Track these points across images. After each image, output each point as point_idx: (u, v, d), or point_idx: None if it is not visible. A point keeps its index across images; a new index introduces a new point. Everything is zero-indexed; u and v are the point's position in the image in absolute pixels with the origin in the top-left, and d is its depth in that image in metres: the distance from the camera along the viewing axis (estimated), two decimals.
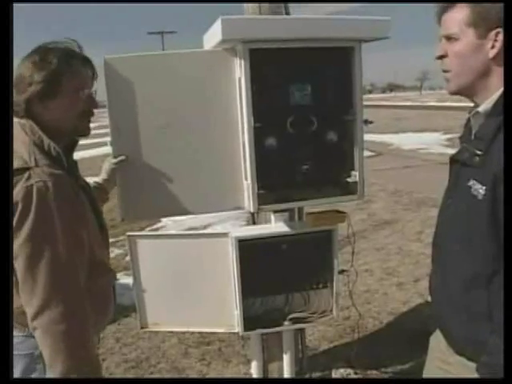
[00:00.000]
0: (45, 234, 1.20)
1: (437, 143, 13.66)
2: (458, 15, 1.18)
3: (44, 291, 1.20)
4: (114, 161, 1.75)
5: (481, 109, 1.20)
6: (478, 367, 1.17)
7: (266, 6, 2.01)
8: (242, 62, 1.57)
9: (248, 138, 1.65)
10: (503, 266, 1.08)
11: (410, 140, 14.95)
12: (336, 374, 2.48)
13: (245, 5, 2.08)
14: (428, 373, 1.51)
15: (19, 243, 1.19)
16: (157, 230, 6.32)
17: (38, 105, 1.32)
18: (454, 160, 1.32)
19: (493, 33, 1.13)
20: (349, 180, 1.82)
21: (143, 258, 2.20)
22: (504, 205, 1.07)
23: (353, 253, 2.28)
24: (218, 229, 5.81)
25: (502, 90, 1.15)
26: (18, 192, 1.18)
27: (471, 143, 1.22)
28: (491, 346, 1.12)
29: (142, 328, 2.34)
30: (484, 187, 1.11)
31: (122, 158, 1.73)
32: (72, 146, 1.47)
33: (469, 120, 1.29)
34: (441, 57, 1.24)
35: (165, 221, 6.79)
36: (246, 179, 1.73)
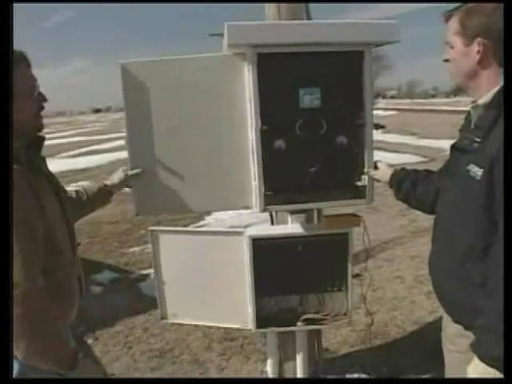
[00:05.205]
0: None
1: None
2: (451, 25, 1.36)
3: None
4: (132, 172, 1.86)
5: (480, 102, 1.34)
6: (474, 331, 1.29)
7: (284, 6, 2.04)
8: (251, 66, 1.63)
9: (255, 140, 1.70)
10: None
11: None
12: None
13: (266, 5, 2.12)
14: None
15: None
16: (200, 227, 6.47)
17: None
18: (454, 148, 1.47)
19: (476, 41, 1.29)
20: (358, 184, 1.83)
21: (164, 252, 2.29)
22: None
23: (367, 257, 2.26)
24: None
25: (499, 86, 1.28)
26: None
27: (471, 132, 1.36)
28: (486, 310, 1.23)
29: (161, 319, 2.44)
30: (482, 169, 1.25)
31: (139, 170, 1.85)
32: (37, 143, 1.47)
33: (469, 113, 1.44)
34: (446, 60, 1.43)
35: (208, 219, 6.94)
36: (255, 180, 1.78)
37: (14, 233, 1.22)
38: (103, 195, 1.88)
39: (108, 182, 1.89)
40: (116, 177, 1.90)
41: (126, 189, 1.95)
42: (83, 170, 12.97)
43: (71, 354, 1.34)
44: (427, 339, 2.90)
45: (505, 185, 1.19)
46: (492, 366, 1.20)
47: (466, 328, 1.38)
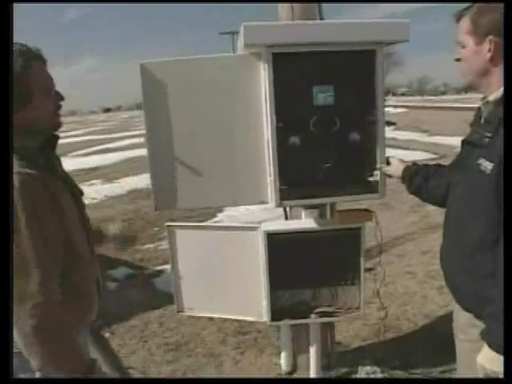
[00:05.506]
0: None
1: None
2: (463, 25, 1.39)
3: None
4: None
5: (491, 98, 1.38)
6: (484, 320, 1.34)
7: (298, 6, 2.09)
8: (266, 65, 1.68)
9: (271, 137, 1.75)
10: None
11: None
12: (362, 371, 2.52)
13: (279, 5, 2.17)
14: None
15: None
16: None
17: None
18: (465, 142, 1.49)
19: (487, 39, 1.33)
20: (371, 179, 1.87)
21: (180, 247, 2.35)
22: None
23: (380, 252, 2.29)
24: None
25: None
26: None
27: (481, 127, 1.39)
28: (495, 297, 1.26)
29: (178, 312, 2.50)
30: (492, 164, 1.28)
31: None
32: (52, 142, 1.44)
33: (479, 109, 1.47)
34: (457, 59, 1.46)
35: (220, 216, 6.99)
36: (270, 175, 1.84)
37: (30, 239, 1.19)
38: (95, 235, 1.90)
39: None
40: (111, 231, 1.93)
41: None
42: (94, 169, 13.11)
43: (87, 363, 1.30)
44: (438, 333, 2.92)
45: (505, 183, 1.23)
46: (501, 354, 1.24)
47: (477, 317, 1.42)
